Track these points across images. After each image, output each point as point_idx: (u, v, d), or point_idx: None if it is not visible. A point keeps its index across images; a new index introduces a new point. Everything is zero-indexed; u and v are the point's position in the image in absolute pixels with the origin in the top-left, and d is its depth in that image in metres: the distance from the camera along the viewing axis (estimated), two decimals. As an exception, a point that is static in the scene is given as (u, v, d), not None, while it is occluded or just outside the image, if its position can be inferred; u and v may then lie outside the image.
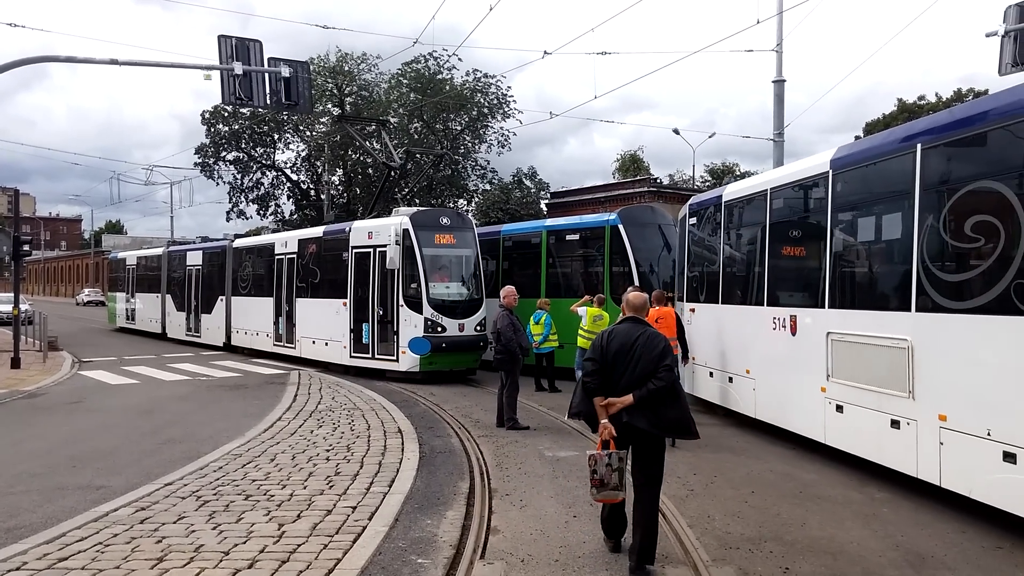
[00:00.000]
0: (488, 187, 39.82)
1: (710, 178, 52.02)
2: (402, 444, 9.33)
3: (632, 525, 5.45)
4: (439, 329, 15.45)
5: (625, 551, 5.51)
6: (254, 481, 7.54)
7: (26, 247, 18.56)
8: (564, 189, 44.42)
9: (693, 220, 12.37)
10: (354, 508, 6.61)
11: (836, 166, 8.31)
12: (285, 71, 15.76)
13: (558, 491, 7.42)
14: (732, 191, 11.09)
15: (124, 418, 11.71)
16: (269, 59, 15.75)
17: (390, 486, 7.36)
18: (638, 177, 45.16)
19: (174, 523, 6.18)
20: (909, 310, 6.89)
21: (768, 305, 9.59)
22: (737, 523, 6.40)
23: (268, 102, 15.97)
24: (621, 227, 15.49)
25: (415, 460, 8.51)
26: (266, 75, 15.67)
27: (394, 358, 15.82)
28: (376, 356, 16.20)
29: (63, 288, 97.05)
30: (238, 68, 15.18)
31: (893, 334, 7.08)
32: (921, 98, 45.02)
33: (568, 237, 17.01)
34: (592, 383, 5.44)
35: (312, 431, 10.19)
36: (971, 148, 6.47)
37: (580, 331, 13.39)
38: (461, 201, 40.80)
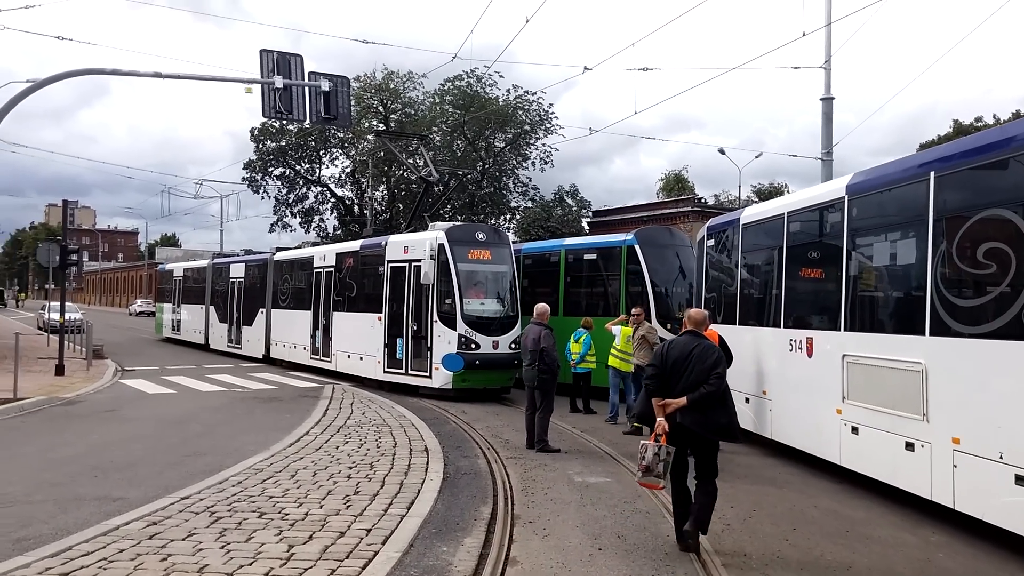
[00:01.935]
0: (529, 204, 39.64)
1: (756, 199, 51.07)
2: (427, 464, 9.05)
3: (692, 510, 6.13)
4: (473, 346, 15.19)
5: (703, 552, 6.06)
6: (271, 498, 7.32)
7: (74, 257, 18.81)
8: (606, 208, 44.06)
9: (711, 242, 12.42)
10: (368, 531, 6.34)
11: (852, 191, 8.42)
12: (325, 85, 15.80)
13: (584, 520, 7.05)
14: (750, 214, 11.20)
15: (155, 428, 11.66)
16: (310, 73, 15.81)
17: (409, 508, 7.08)
18: (682, 197, 44.54)
19: (182, 540, 5.97)
20: (923, 334, 6.98)
21: (785, 327, 9.68)
22: (776, 566, 5.93)
23: (308, 116, 16.07)
24: (638, 248, 15.58)
25: (438, 481, 8.22)
26: (306, 89, 15.73)
27: (427, 374, 15.59)
28: (409, 372, 16.00)
29: (118, 298, 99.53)
30: (279, 82, 15.26)
31: (908, 357, 7.18)
32: (978, 119, 43.70)
33: (586, 256, 17.17)
34: (652, 385, 6.28)
35: (338, 447, 9.98)
36: (982, 177, 6.61)
37: (613, 350, 12.98)
38: (503, 218, 40.73)
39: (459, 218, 34.79)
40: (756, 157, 49.21)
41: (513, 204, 40.45)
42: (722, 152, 38.61)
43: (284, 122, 38.97)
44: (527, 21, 15.28)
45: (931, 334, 6.87)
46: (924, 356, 6.94)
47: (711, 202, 44.81)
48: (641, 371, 12.01)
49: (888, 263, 8.20)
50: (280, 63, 15.43)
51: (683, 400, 6.07)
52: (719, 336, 10.99)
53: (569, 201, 39.97)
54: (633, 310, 12.95)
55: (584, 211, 41.12)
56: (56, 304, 44.84)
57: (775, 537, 6.67)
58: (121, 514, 6.69)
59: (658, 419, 6.12)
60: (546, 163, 38.43)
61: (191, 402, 14.69)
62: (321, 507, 7.04)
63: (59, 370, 18.22)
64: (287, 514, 6.78)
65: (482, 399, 15.32)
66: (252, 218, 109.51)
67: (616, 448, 10.63)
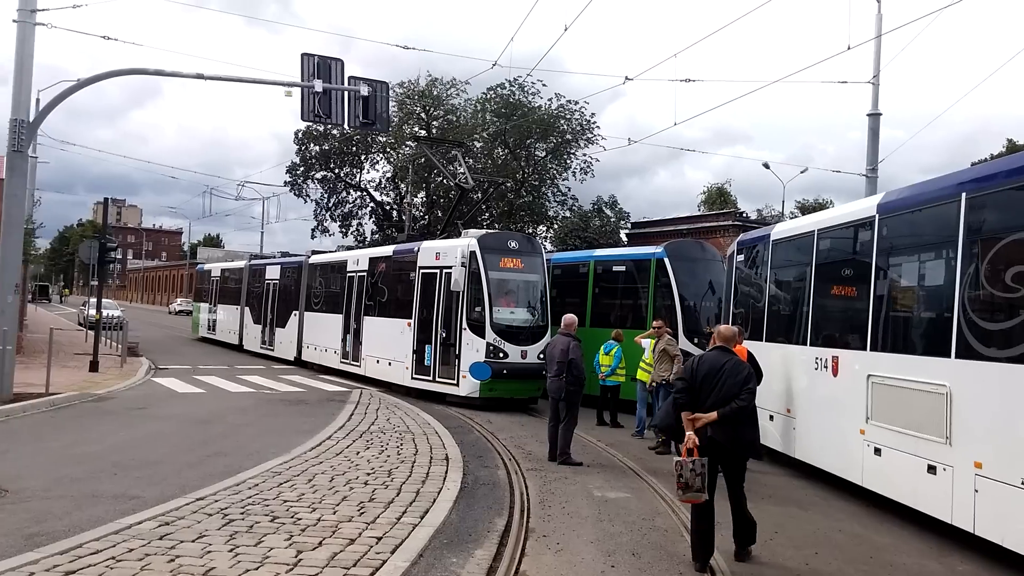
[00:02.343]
0: (568, 214, 39.45)
1: (800, 214, 50.24)
2: (445, 473, 8.95)
3: (732, 523, 6.35)
4: (501, 355, 15.09)
5: (715, 572, 6.08)
6: (285, 502, 7.29)
7: (112, 255, 19.14)
8: (645, 219, 43.67)
9: (741, 257, 12.39)
10: (379, 539, 6.25)
11: (883, 210, 8.40)
12: (364, 90, 15.92)
13: (600, 536, 6.89)
14: (780, 230, 11.19)
15: (180, 427, 11.77)
16: (350, 78, 15.94)
17: (422, 517, 6.98)
18: (724, 211, 43.98)
19: (192, 542, 5.95)
20: (949, 356, 6.92)
21: (811, 345, 9.63)
22: (794, 589, 5.73)
23: (347, 120, 16.18)
24: (667, 261, 15.51)
25: (455, 491, 8.12)
26: (346, 94, 15.86)
27: (454, 382, 15.53)
28: (437, 379, 15.95)
29: (160, 297, 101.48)
30: (318, 86, 15.41)
31: (932, 379, 7.12)
32: (1032, 137, 42.43)
33: (615, 268, 17.12)
34: (682, 399, 6.34)
35: (358, 452, 9.94)
36: (1014, 199, 6.55)
37: (642, 363, 12.78)
38: (541, 228, 40.58)
39: (497, 226, 34.74)
40: (801, 172, 48.40)
41: (551, 214, 40.28)
42: (766, 166, 38.20)
43: (327, 126, 39.69)
44: (566, 29, 15.20)
45: (957, 356, 6.82)
46: (949, 379, 6.88)
47: (753, 217, 44.18)
48: (661, 385, 11.91)
49: (916, 284, 8.19)
50: (320, 67, 15.60)
51: (714, 415, 6.16)
52: (748, 352, 10.78)
53: (608, 212, 39.68)
54: (654, 323, 12.78)
55: (623, 222, 40.79)
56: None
57: (795, 560, 6.45)
58: (135, 513, 6.70)
59: (688, 433, 6.18)
60: (586, 173, 38.25)
61: (219, 402, 14.82)
62: (335, 513, 6.98)
63: (93, 366, 18.54)
64: (299, 519, 6.73)
65: (509, 409, 15.20)
66: (294, 220, 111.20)
67: (641, 463, 10.43)
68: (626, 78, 18.63)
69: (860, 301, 8.75)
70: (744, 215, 41.54)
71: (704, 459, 6.06)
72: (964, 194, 6.98)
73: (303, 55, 15.55)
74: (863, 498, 8.41)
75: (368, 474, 8.67)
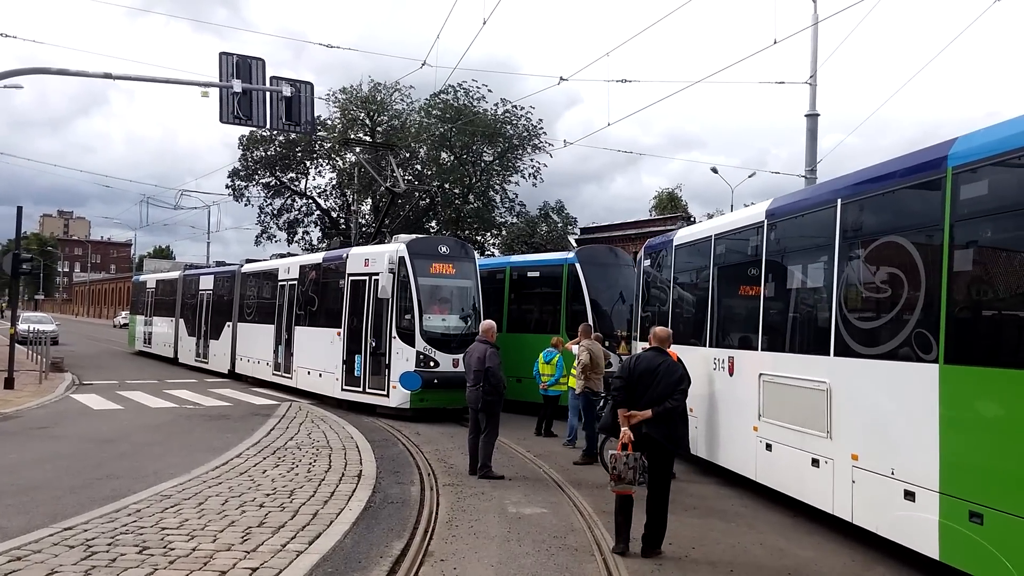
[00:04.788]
0: (515, 220, 39.05)
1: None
2: (352, 491, 8.40)
3: (646, 519, 6.55)
4: (431, 364, 14.55)
5: (631, 555, 6.43)
6: (163, 529, 6.67)
7: (26, 266, 18.20)
8: (595, 224, 43.54)
9: (647, 262, 12.57)
10: (254, 571, 5.69)
11: (771, 216, 8.70)
12: (287, 90, 15.30)
13: (504, 558, 6.40)
14: (682, 235, 11.38)
15: (78, 447, 11.00)
16: (271, 78, 15.31)
17: (311, 543, 6.43)
18: (673, 215, 44.04)
19: (37, 580, 5.33)
20: (829, 354, 7.24)
21: (709, 346, 9.88)
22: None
23: (268, 122, 15.55)
24: (578, 267, 15.72)
25: (357, 511, 7.58)
26: (267, 94, 15.24)
27: (385, 393, 14.94)
28: (367, 390, 15.34)
29: (106, 310, 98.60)
30: (237, 86, 14.74)
31: (815, 377, 7.43)
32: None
33: (530, 275, 17.44)
34: (618, 397, 6.68)
35: (264, 471, 9.32)
36: (879, 205, 6.93)
37: (573, 371, 12.34)
38: (489, 235, 40.09)
39: (445, 234, 34.17)
40: (749, 176, 48.91)
41: (500, 220, 39.81)
42: (715, 171, 38.32)
43: (275, 132, 38.76)
44: (484, 23, 14.75)
45: (835, 355, 7.15)
46: (829, 376, 7.21)
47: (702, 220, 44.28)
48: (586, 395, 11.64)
49: (801, 286, 8.42)
50: (240, 67, 14.95)
51: (648, 412, 6.53)
52: (678, 356, 10.50)
53: (555, 217, 39.36)
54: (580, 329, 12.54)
55: (570, 227, 40.52)
56: (33, 315, 44.24)
57: (708, 581, 6.04)
58: (-13, 547, 6.04)
59: (623, 429, 6.53)
60: (535, 178, 37.87)
61: (134, 419, 14.02)
62: (214, 541, 6.39)
63: (8, 383, 17.53)
64: (172, 549, 6.13)
65: (441, 419, 14.65)
66: (249, 229, 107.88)
67: (566, 475, 9.99)
68: (561, 78, 18.25)
69: (752, 303, 9.00)
70: (692, 219, 41.61)
71: (639, 454, 6.42)
72: (840, 200, 7.30)
73: (221, 54, 14.88)
74: (791, 508, 8.06)
75: (268, 495, 8.08)
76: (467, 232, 38.10)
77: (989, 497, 5.30)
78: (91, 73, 13.80)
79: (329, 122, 38.69)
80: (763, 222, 8.78)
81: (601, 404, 9.96)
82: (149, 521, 6.91)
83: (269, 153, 40.88)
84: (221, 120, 15.21)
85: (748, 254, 9.31)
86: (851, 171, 7.67)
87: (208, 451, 10.66)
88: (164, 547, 6.17)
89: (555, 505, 8.37)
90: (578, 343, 12.12)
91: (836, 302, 7.18)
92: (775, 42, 12.42)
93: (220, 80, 14.69)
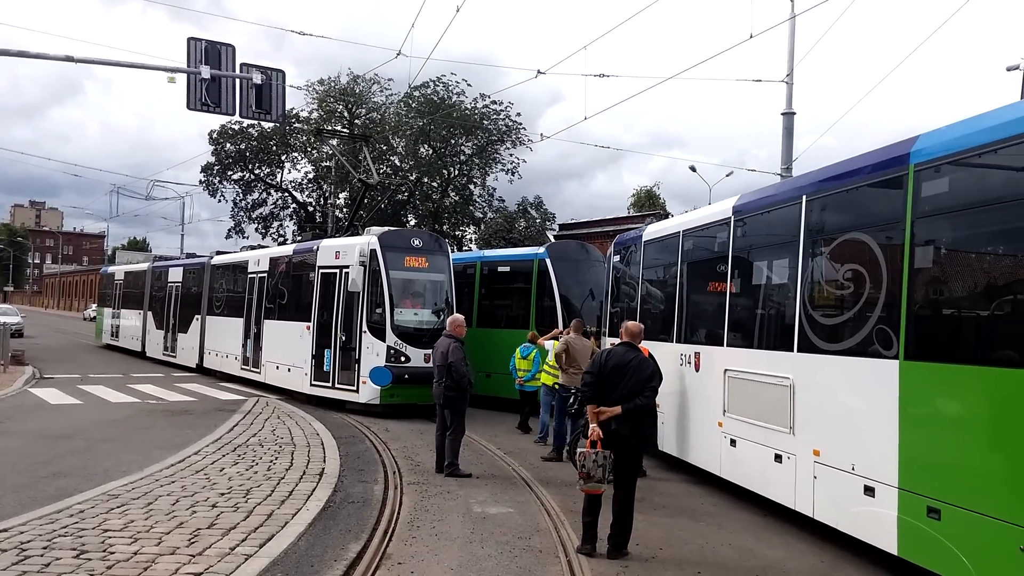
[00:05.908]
0: (494, 215, 38.77)
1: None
2: (312, 491, 8.08)
3: (612, 518, 6.39)
4: (402, 359, 14.23)
5: (597, 556, 6.27)
6: (105, 531, 6.33)
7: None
8: (573, 221, 43.35)
9: (617, 257, 12.48)
10: (197, 576, 5.38)
11: (737, 212, 8.68)
12: (257, 78, 14.92)
13: (464, 561, 6.14)
14: (651, 231, 11.31)
15: (29, 444, 10.57)
16: (241, 65, 14.90)
17: (261, 546, 6.12)
18: (650, 212, 43.93)
19: (-39, 587, 4.98)
20: (792, 350, 7.21)
21: (676, 342, 9.85)
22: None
23: (237, 110, 15.16)
24: (548, 262, 15.60)
25: (314, 512, 7.27)
26: (236, 81, 14.85)
27: (354, 388, 14.60)
28: (336, 385, 14.99)
29: (76, 303, 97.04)
30: (205, 72, 14.34)
31: (778, 372, 7.41)
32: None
33: (500, 269, 17.35)
34: (588, 392, 6.55)
35: (222, 469, 8.98)
36: (842, 202, 6.91)
37: (545, 367, 12.10)
38: (468, 230, 39.75)
39: (423, 228, 33.79)
40: (727, 175, 48.91)
41: (479, 215, 39.47)
42: (693, 169, 38.28)
43: (246, 124, 38.17)
44: (457, 10, 14.42)
45: (799, 350, 7.12)
46: (792, 371, 7.19)
47: (679, 217, 44.17)
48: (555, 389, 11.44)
49: (766, 282, 8.37)
50: (210, 52, 14.54)
51: (618, 409, 6.37)
52: (649, 352, 10.30)
53: (533, 213, 39.11)
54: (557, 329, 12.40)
55: (548, 223, 40.28)
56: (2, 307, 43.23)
57: (675, 584, 5.81)
58: (-88, 551, 5.67)
59: (592, 426, 6.40)
60: (513, 174, 37.58)
61: (92, 414, 13.58)
62: (158, 544, 6.06)
63: (-35, 377, 16.99)
64: (112, 553, 5.80)
65: (412, 415, 14.33)
66: (224, 222, 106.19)
67: (535, 473, 9.75)
68: (538, 72, 18.01)
69: (719, 299, 8.97)
70: (669, 216, 41.55)
71: (608, 452, 6.27)
72: (804, 197, 7.27)
73: (189, 39, 14.44)
74: (762, 507, 7.88)
75: (222, 494, 7.75)
76: (445, 227, 37.75)
77: (947, 493, 5.26)
78: (52, 56, 13.34)
79: (303, 113, 38.19)
80: (730, 218, 8.74)
81: (572, 400, 9.69)
82: (92, 523, 6.57)
83: (242, 147, 40.22)
84: (188, 107, 14.78)
85: (715, 250, 9.25)
86: (817, 168, 7.58)
87: (165, 448, 10.29)
88: (103, 551, 5.84)
89: (522, 504, 8.12)
90: (555, 338, 11.95)
91: (800, 298, 7.16)
92: (751, 36, 12.23)
93: (188, 66, 14.28)
